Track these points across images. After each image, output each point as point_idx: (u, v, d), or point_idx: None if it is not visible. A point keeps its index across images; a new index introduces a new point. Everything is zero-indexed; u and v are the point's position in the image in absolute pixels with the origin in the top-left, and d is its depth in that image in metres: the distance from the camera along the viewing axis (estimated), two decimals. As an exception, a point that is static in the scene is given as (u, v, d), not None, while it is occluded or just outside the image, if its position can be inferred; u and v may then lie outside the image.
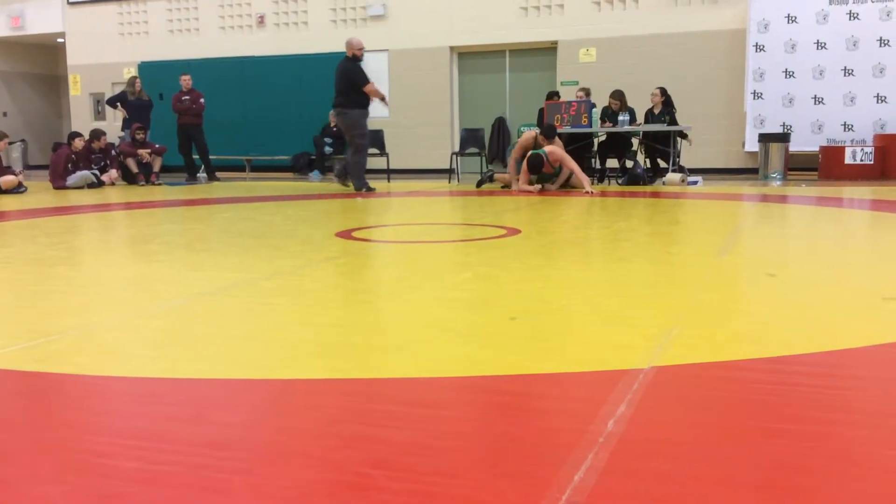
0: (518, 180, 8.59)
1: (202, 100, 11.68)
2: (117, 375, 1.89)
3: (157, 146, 11.30)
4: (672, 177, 9.36)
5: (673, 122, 9.89)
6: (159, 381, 1.83)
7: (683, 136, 9.86)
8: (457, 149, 12.06)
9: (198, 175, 11.98)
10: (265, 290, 2.97)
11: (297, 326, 2.34)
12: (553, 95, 10.77)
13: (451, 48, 13.26)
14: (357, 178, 9.07)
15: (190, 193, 9.18)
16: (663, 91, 10.10)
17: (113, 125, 13.94)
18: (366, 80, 8.86)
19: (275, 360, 2.00)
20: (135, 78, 12.08)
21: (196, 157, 11.88)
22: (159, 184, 10.99)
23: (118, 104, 11.88)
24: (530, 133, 9.01)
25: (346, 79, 8.83)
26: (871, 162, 10.43)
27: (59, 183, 10.00)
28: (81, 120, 15.22)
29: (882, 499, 1.19)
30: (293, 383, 1.80)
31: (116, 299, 2.89)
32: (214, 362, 1.98)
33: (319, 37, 13.83)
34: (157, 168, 11.25)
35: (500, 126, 12.78)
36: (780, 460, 1.32)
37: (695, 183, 9.29)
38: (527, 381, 1.80)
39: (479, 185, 9.45)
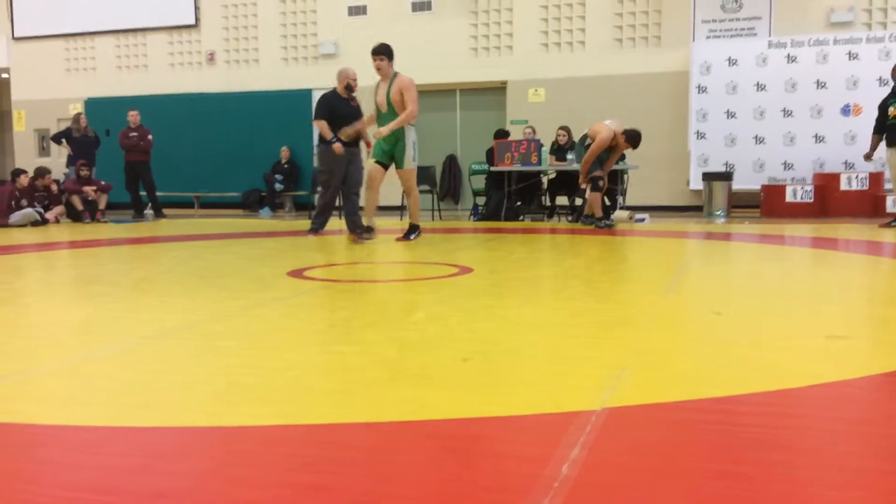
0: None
1: (150, 136, 11.57)
2: (60, 424, 1.83)
3: (102, 183, 11.12)
4: (620, 214, 9.51)
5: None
6: (104, 430, 1.78)
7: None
8: (408, 186, 12.07)
9: (145, 212, 11.80)
10: (212, 332, 2.92)
11: (244, 370, 2.30)
12: (502, 134, 10.85)
13: (403, 87, 13.33)
14: (315, 217, 8.08)
15: (136, 231, 9.03)
16: (567, 130, 10.30)
17: (58, 161, 13.70)
18: (316, 115, 7.72)
19: (222, 406, 1.96)
20: (80, 114, 11.91)
21: (143, 193, 11.72)
22: (105, 221, 10.81)
23: (63, 140, 11.70)
24: (607, 131, 8.28)
25: None
26: (811, 200, 10.76)
27: (1, 221, 9.77)
28: (25, 156, 14.93)
29: (829, 540, 1.20)
30: (242, 430, 1.77)
31: (59, 343, 2.81)
32: (160, 409, 1.93)
33: (270, 74, 13.84)
34: (102, 205, 11.07)
35: (451, 163, 12.88)
36: (728, 503, 1.34)
37: (642, 220, 9.46)
38: (480, 424, 1.80)
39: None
